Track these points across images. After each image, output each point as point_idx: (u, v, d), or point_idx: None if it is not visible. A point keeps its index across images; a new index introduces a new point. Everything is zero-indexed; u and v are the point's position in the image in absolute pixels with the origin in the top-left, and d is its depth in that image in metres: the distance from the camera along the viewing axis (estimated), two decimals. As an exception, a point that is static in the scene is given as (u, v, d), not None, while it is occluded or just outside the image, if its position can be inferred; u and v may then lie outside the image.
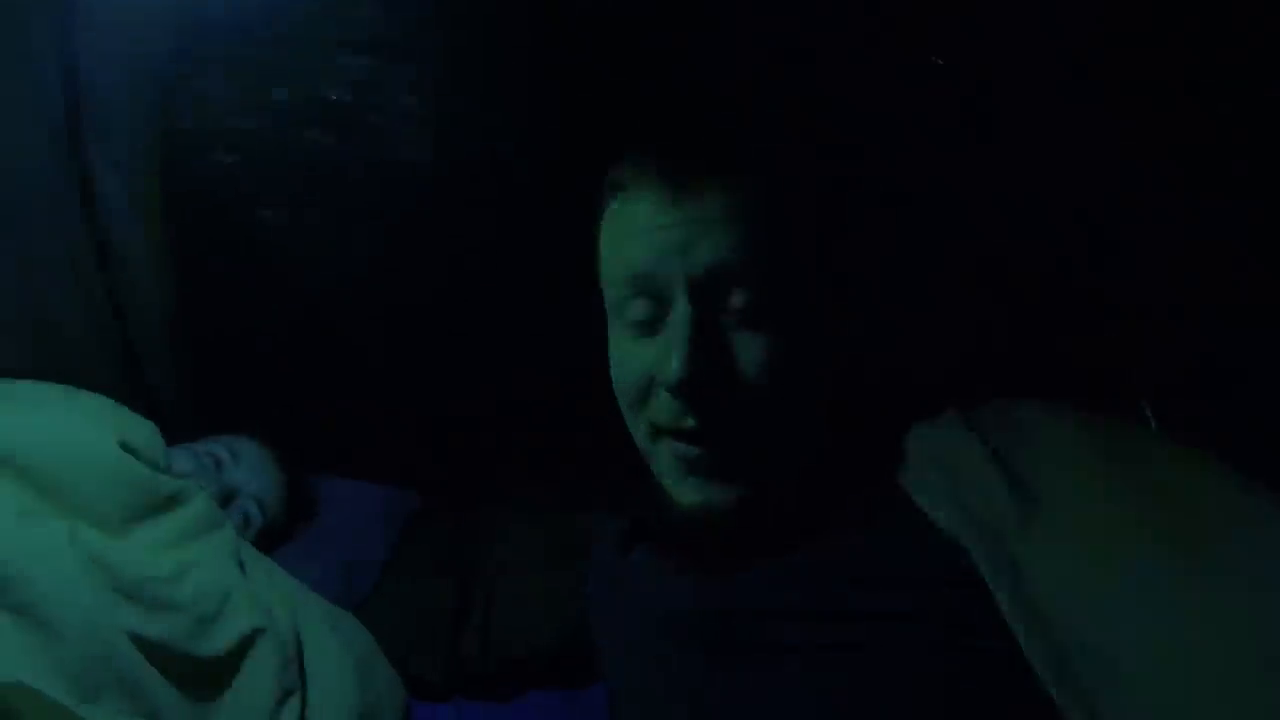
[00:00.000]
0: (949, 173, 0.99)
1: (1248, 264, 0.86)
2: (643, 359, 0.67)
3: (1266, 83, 0.84)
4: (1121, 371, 0.93)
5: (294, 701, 0.72)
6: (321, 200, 1.17)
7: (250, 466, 1.06)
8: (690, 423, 0.65)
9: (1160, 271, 0.94)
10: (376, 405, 1.24)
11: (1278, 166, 0.84)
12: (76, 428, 0.77)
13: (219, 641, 0.70)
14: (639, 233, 0.67)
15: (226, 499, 1.00)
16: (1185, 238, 0.92)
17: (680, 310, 0.64)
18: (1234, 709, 0.50)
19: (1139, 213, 0.94)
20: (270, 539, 1.04)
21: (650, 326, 0.67)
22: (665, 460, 0.69)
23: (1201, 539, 0.55)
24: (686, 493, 0.68)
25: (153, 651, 0.66)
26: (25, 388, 0.82)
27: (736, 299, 0.63)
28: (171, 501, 0.79)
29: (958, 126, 0.97)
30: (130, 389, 1.17)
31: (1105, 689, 0.53)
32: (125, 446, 0.77)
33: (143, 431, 0.87)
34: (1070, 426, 0.65)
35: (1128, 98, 0.94)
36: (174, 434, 1.00)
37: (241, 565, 0.82)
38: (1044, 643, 0.56)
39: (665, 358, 0.64)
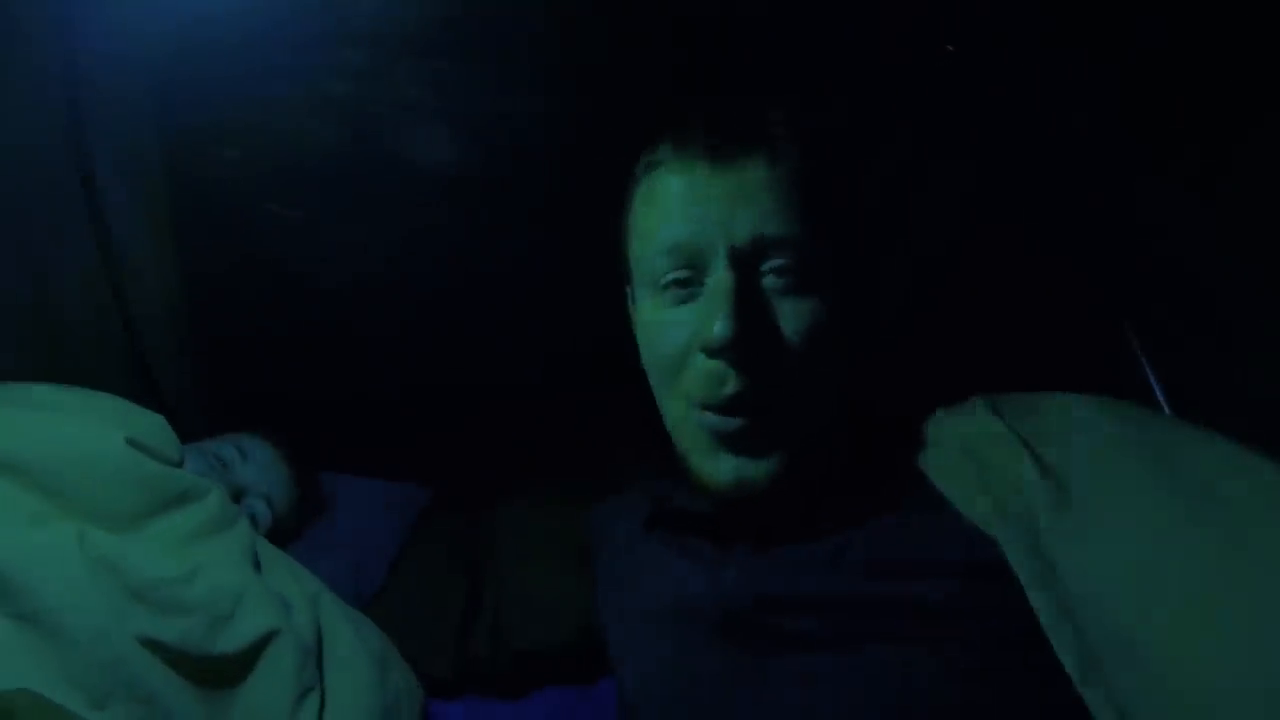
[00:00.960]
0: (977, 157, 0.99)
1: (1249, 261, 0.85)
2: (681, 327, 0.68)
3: (1271, 74, 0.83)
4: (1136, 361, 0.93)
5: (313, 699, 0.72)
6: (328, 196, 1.17)
7: (259, 465, 1.06)
8: (730, 389, 0.65)
9: (1175, 265, 0.93)
10: (385, 402, 1.23)
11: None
12: (82, 427, 0.77)
13: (233, 641, 0.69)
14: (679, 205, 0.68)
15: (235, 498, 1.00)
16: (1189, 235, 0.91)
17: (722, 276, 0.65)
18: (1272, 711, 0.49)
19: (1154, 204, 0.93)
20: (279, 537, 1.04)
21: (689, 296, 0.68)
22: (696, 436, 0.69)
23: (1239, 530, 0.54)
24: (718, 469, 0.68)
25: (165, 654, 0.65)
26: (26, 391, 0.82)
27: (774, 268, 0.65)
28: (183, 498, 0.78)
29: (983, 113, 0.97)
30: (138, 389, 1.17)
31: (1135, 684, 0.53)
32: (133, 443, 0.77)
33: (152, 426, 0.86)
34: (1098, 416, 0.65)
35: (1140, 91, 0.93)
36: (182, 433, 1.00)
37: (258, 563, 0.82)
38: (1073, 636, 0.55)
39: (708, 321, 0.65)
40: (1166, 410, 0.90)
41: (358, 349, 1.23)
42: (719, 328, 0.63)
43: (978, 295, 1.00)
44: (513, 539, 1.08)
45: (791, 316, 0.65)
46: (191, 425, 1.09)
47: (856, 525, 0.67)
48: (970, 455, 0.66)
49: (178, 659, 0.66)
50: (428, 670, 0.93)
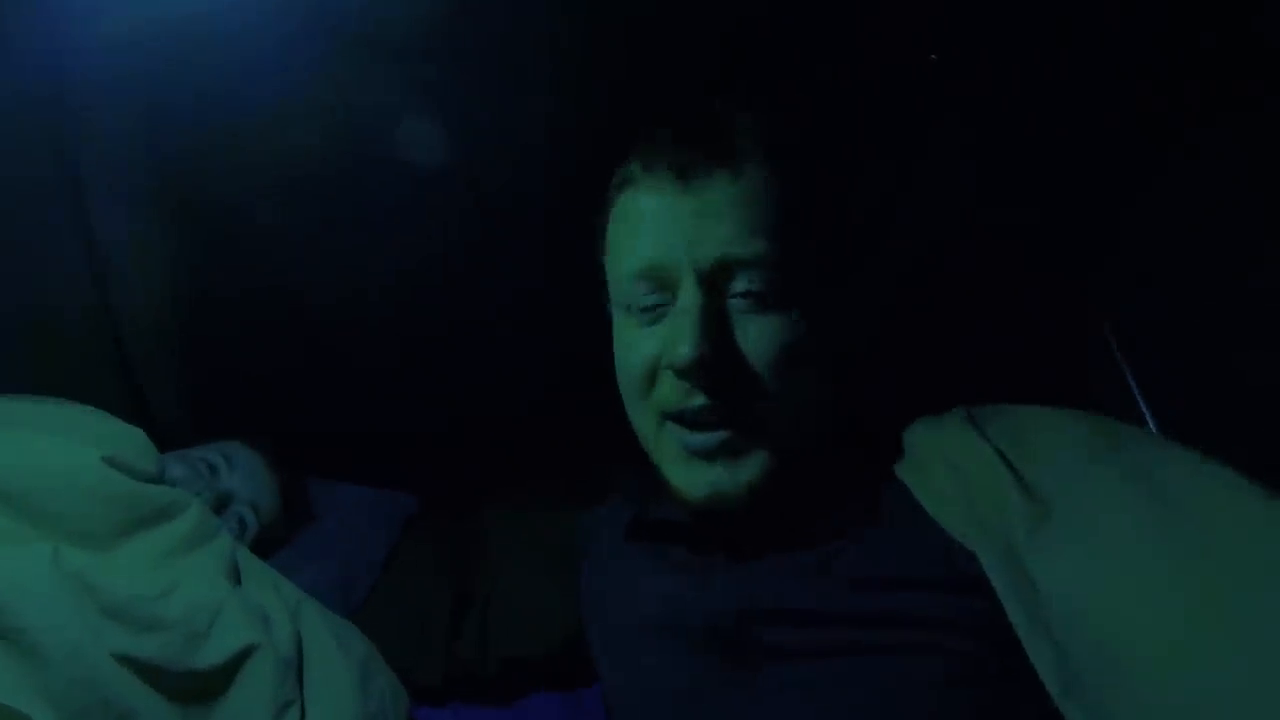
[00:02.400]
0: (951, 168, 0.99)
1: (1247, 263, 0.85)
2: (650, 345, 0.68)
3: (1267, 75, 0.83)
4: (1119, 372, 0.93)
5: (292, 713, 0.72)
6: (319, 206, 1.16)
7: (245, 472, 1.06)
8: (698, 401, 0.66)
9: (1161, 270, 0.93)
10: (373, 409, 1.23)
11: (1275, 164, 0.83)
12: (57, 445, 0.77)
13: (211, 657, 0.69)
14: (647, 225, 0.68)
15: (221, 505, 1.00)
16: (1186, 236, 0.91)
17: (689, 296, 0.66)
18: (1244, 717, 0.49)
19: (1137, 210, 0.93)
20: (266, 544, 1.04)
21: (657, 315, 0.68)
22: (670, 449, 0.70)
23: (1214, 545, 0.55)
24: (693, 482, 0.68)
25: (142, 672, 0.65)
26: (1, 406, 0.82)
27: (741, 286, 0.65)
28: (161, 515, 0.78)
29: (959, 122, 0.97)
30: (124, 396, 1.17)
31: (1113, 698, 0.53)
32: (109, 461, 0.77)
33: (130, 441, 0.86)
34: (1076, 430, 0.65)
35: (1129, 90, 0.93)
36: (168, 440, 1.00)
37: (238, 576, 0.81)
38: (1053, 651, 0.56)
39: (675, 342, 0.65)
40: (1148, 416, 0.90)
41: (346, 357, 1.23)
42: (684, 350, 0.64)
43: (959, 304, 1.00)
44: (500, 546, 1.08)
45: (760, 335, 0.65)
46: (179, 433, 1.09)
47: (839, 537, 0.67)
48: (951, 469, 0.66)
49: (155, 676, 0.65)
50: (415, 677, 0.93)
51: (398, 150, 1.10)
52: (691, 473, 0.68)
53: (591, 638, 0.85)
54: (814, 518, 0.69)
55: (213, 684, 0.69)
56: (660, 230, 0.67)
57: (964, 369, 0.90)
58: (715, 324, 0.65)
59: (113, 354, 1.16)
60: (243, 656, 0.70)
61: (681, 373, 0.65)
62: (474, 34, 1.01)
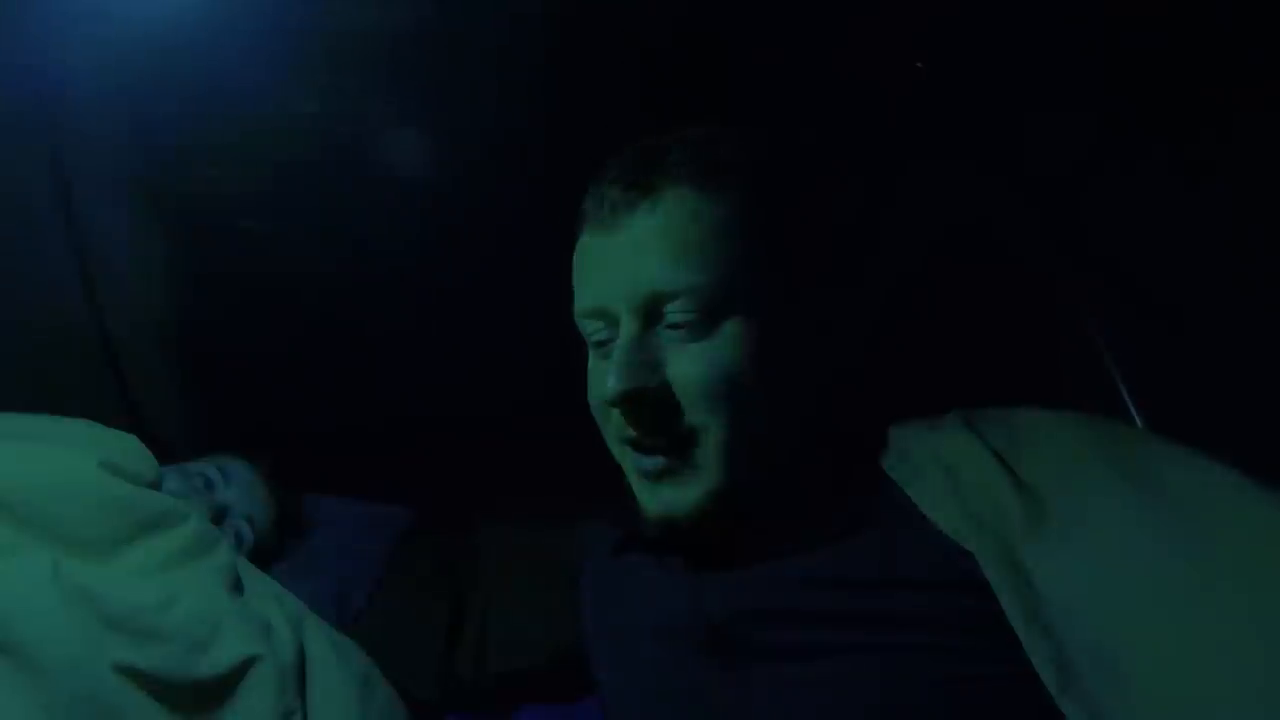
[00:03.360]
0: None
1: (1241, 264, 0.87)
2: (601, 379, 0.70)
3: (1263, 80, 0.85)
4: (1108, 374, 0.94)
5: None
6: (310, 215, 1.17)
7: (241, 486, 1.05)
8: (632, 433, 0.68)
9: (1152, 272, 0.94)
10: (368, 422, 1.23)
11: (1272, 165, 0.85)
12: (53, 453, 0.77)
13: (211, 668, 0.69)
14: (590, 265, 0.71)
15: (217, 519, 0.99)
16: (1179, 238, 0.92)
17: (624, 332, 0.68)
18: (1242, 716, 0.50)
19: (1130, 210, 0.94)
20: (262, 558, 1.03)
21: (608, 350, 0.70)
22: (628, 469, 0.72)
23: (1208, 543, 0.55)
24: (648, 502, 0.71)
25: (143, 682, 0.65)
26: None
27: (673, 318, 0.66)
28: (161, 521, 0.78)
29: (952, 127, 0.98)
30: (115, 402, 1.17)
31: (1111, 697, 0.54)
32: (106, 466, 0.77)
33: (126, 448, 0.86)
34: (1072, 431, 0.66)
35: (1118, 91, 0.94)
36: (160, 447, 1.00)
37: (239, 585, 0.81)
38: (1050, 650, 0.56)
39: (607, 375, 0.67)
40: (1135, 415, 0.91)
41: (339, 369, 1.23)
42: (610, 384, 0.66)
43: (950, 306, 1.01)
44: (496, 559, 1.08)
45: (691, 363, 0.66)
46: (172, 446, 1.09)
47: (833, 539, 0.68)
48: (946, 469, 0.67)
49: (155, 687, 0.65)
50: (412, 691, 0.92)
51: (383, 156, 1.11)
52: (645, 493, 0.70)
53: (590, 645, 0.85)
54: (809, 521, 0.69)
55: (214, 695, 0.69)
56: (599, 270, 0.70)
57: (956, 372, 0.90)
58: (644, 358, 0.67)
59: (103, 361, 1.16)
60: (245, 667, 0.70)
61: (612, 404, 0.67)
62: (456, 44, 1.02)
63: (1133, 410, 0.92)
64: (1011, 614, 0.58)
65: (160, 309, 1.20)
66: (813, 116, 0.94)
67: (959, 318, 1.02)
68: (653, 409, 0.67)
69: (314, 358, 1.22)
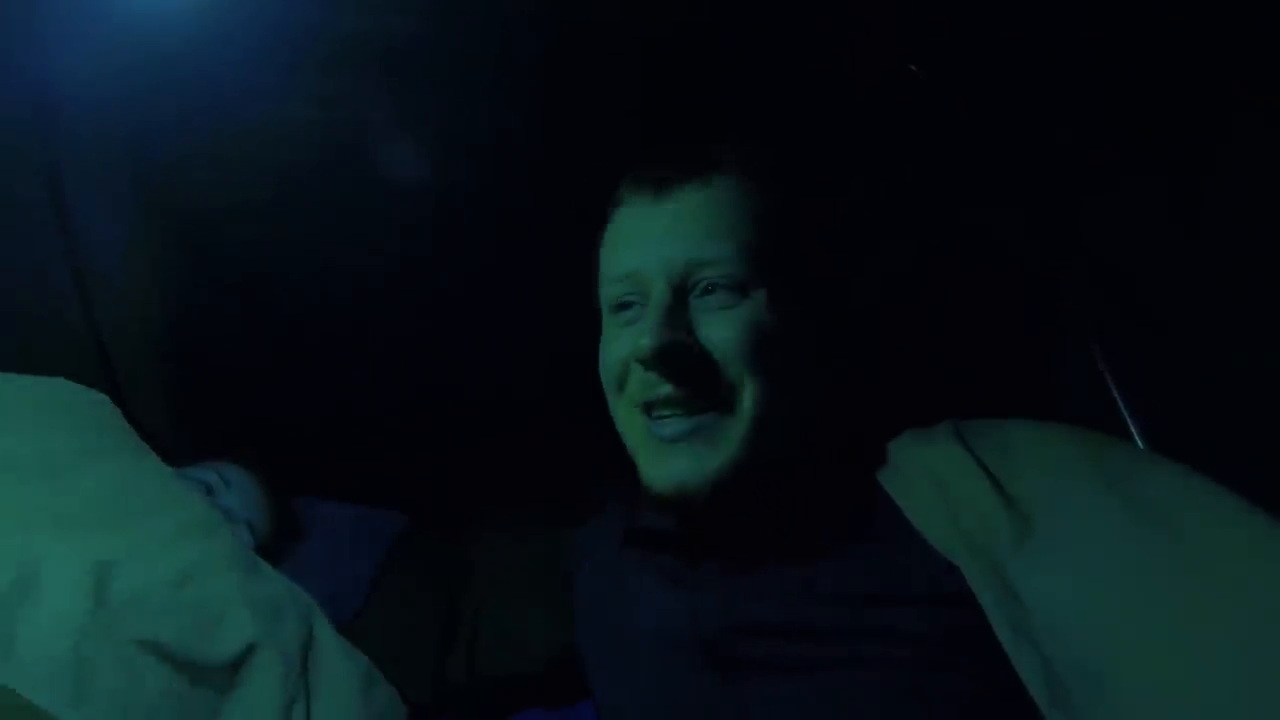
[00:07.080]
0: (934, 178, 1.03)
1: (1238, 273, 0.88)
2: (625, 343, 0.72)
3: (1260, 86, 0.87)
4: (1104, 383, 0.94)
5: (299, 709, 0.72)
6: (299, 213, 1.17)
7: (241, 492, 1.06)
8: (665, 390, 0.69)
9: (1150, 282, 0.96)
10: (361, 426, 1.23)
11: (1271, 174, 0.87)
12: (72, 430, 0.77)
13: (220, 646, 0.70)
14: (630, 235, 0.74)
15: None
16: (1176, 246, 0.94)
17: (657, 294, 0.70)
18: None
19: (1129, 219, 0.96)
20: (259, 561, 1.03)
21: (635, 316, 0.73)
22: (640, 438, 0.73)
23: (1195, 560, 0.56)
24: (659, 474, 0.71)
25: (150, 656, 0.65)
26: (14, 390, 0.82)
27: (708, 284, 0.70)
28: (174, 501, 0.78)
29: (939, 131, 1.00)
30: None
31: (1098, 709, 0.54)
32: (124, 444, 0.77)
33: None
34: (1061, 445, 0.67)
35: (1119, 97, 0.96)
36: (154, 449, 0.99)
37: (251, 568, 0.82)
38: (1037, 663, 0.57)
39: (640, 334, 0.69)
40: (1130, 424, 0.92)
41: (333, 373, 1.23)
42: (645, 341, 0.68)
43: (947, 314, 1.03)
44: (490, 563, 1.08)
45: (724, 326, 0.69)
46: (166, 449, 1.08)
47: (826, 551, 0.68)
48: (937, 483, 0.68)
49: (163, 661, 0.65)
50: (406, 694, 0.92)
51: (379, 160, 1.12)
52: (659, 464, 0.71)
53: (585, 650, 0.85)
54: (800, 532, 0.70)
55: (221, 673, 0.69)
56: (639, 240, 0.73)
57: (950, 381, 0.92)
58: (678, 317, 0.69)
59: (97, 364, 1.15)
60: (252, 648, 0.70)
61: (644, 363, 0.69)
62: (454, 49, 1.04)
63: (1128, 419, 0.91)
64: (998, 628, 0.59)
65: (155, 312, 1.20)
66: (809, 120, 0.96)
67: (956, 325, 1.03)
68: (687, 366, 0.68)
69: (308, 361, 1.22)
